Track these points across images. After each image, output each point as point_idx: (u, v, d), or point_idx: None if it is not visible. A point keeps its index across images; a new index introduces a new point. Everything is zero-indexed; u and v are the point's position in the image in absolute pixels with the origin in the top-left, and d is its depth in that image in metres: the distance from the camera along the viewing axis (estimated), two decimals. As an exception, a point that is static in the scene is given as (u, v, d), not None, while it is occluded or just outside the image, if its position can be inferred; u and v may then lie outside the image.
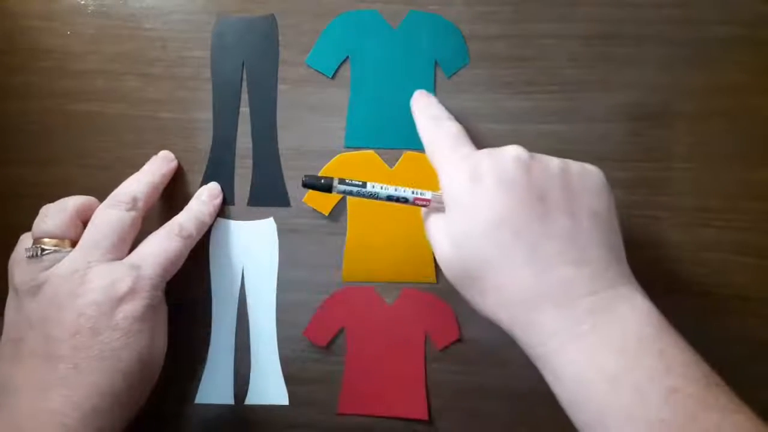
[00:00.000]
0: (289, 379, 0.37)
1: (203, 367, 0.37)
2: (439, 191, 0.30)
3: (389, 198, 0.31)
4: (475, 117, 0.37)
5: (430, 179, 0.36)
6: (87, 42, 0.37)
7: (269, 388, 0.37)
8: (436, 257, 0.30)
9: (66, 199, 0.33)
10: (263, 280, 0.37)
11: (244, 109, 0.37)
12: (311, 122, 0.37)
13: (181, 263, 0.34)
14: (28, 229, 0.33)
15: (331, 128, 0.37)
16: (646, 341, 0.25)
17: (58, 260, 0.31)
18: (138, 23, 0.37)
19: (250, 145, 0.37)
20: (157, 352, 0.32)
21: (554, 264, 0.27)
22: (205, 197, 0.36)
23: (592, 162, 0.36)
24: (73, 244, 0.32)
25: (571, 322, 0.26)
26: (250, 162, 0.37)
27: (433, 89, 0.37)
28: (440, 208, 0.30)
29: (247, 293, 0.37)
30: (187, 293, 0.37)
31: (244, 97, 0.37)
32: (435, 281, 0.37)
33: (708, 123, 0.36)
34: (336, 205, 0.37)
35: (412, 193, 0.31)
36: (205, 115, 0.37)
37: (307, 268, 0.37)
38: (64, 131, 0.37)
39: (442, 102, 0.36)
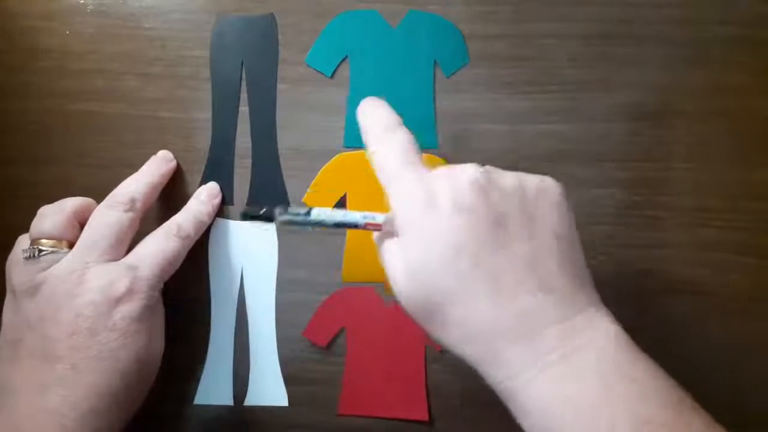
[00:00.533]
0: (289, 380, 0.37)
1: (202, 368, 0.37)
2: (390, 212, 0.28)
3: (338, 225, 0.28)
4: (474, 117, 0.37)
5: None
6: (86, 41, 0.37)
7: (268, 388, 0.37)
8: (392, 287, 0.27)
9: (64, 200, 0.33)
10: (262, 280, 0.37)
11: (244, 109, 0.37)
12: (311, 122, 0.37)
13: (179, 263, 0.34)
14: (26, 230, 0.33)
15: (330, 128, 0.37)
16: (617, 369, 0.24)
17: (56, 261, 0.31)
18: (137, 23, 0.37)
19: (250, 145, 0.37)
20: (154, 352, 0.32)
21: (517, 294, 0.25)
22: (204, 197, 0.36)
23: (591, 162, 0.36)
24: (71, 245, 0.32)
25: (538, 353, 0.25)
26: (249, 162, 0.37)
27: (432, 89, 0.37)
28: (393, 232, 0.28)
29: (246, 293, 0.37)
30: (186, 293, 0.37)
31: (244, 96, 0.37)
32: (435, 281, 0.37)
33: (708, 123, 0.36)
34: (336, 204, 0.37)
35: (363, 217, 0.28)
36: (205, 115, 0.37)
37: (306, 268, 0.37)
38: (64, 131, 0.37)
39: (441, 102, 0.36)
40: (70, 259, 0.31)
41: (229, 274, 0.37)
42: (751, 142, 0.36)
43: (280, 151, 0.37)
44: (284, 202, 0.37)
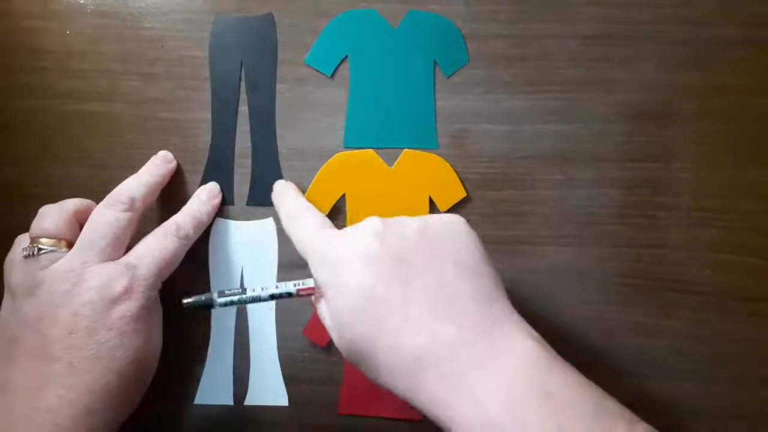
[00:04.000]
0: (289, 379, 0.37)
1: (202, 368, 0.37)
2: None
3: (273, 297, 0.30)
4: (474, 117, 0.37)
5: (430, 178, 0.36)
6: (86, 42, 0.37)
7: (269, 388, 0.37)
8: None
9: (65, 200, 0.34)
10: (263, 280, 0.37)
11: (243, 109, 0.37)
12: (310, 122, 0.37)
13: (177, 263, 0.34)
14: (26, 230, 0.33)
15: (330, 128, 0.37)
16: (531, 385, 0.24)
17: (55, 260, 0.31)
18: (137, 23, 0.37)
19: (250, 145, 0.37)
20: (152, 352, 0.32)
21: (426, 324, 0.26)
22: (203, 197, 0.36)
23: (591, 162, 0.36)
24: (70, 245, 0.32)
25: (456, 378, 0.25)
26: (249, 162, 0.37)
27: (432, 89, 0.37)
28: (322, 293, 0.30)
29: (246, 293, 0.37)
30: (187, 293, 0.37)
31: (243, 96, 0.37)
32: (435, 281, 0.37)
33: (707, 123, 0.36)
34: (335, 204, 0.37)
35: (294, 285, 0.30)
36: (205, 115, 0.37)
37: (306, 268, 0.37)
38: (64, 131, 0.37)
39: (441, 102, 0.36)
40: (68, 258, 0.31)
41: (230, 274, 0.37)
42: (750, 142, 0.36)
43: (280, 151, 0.37)
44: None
